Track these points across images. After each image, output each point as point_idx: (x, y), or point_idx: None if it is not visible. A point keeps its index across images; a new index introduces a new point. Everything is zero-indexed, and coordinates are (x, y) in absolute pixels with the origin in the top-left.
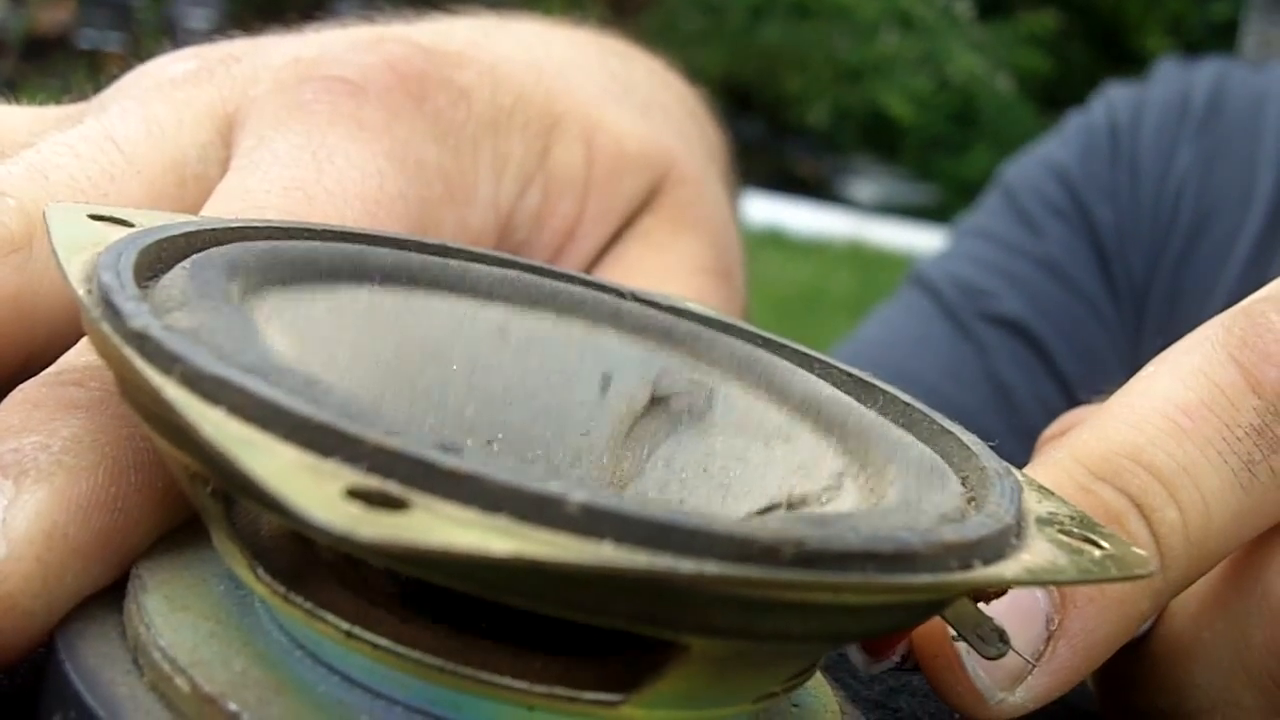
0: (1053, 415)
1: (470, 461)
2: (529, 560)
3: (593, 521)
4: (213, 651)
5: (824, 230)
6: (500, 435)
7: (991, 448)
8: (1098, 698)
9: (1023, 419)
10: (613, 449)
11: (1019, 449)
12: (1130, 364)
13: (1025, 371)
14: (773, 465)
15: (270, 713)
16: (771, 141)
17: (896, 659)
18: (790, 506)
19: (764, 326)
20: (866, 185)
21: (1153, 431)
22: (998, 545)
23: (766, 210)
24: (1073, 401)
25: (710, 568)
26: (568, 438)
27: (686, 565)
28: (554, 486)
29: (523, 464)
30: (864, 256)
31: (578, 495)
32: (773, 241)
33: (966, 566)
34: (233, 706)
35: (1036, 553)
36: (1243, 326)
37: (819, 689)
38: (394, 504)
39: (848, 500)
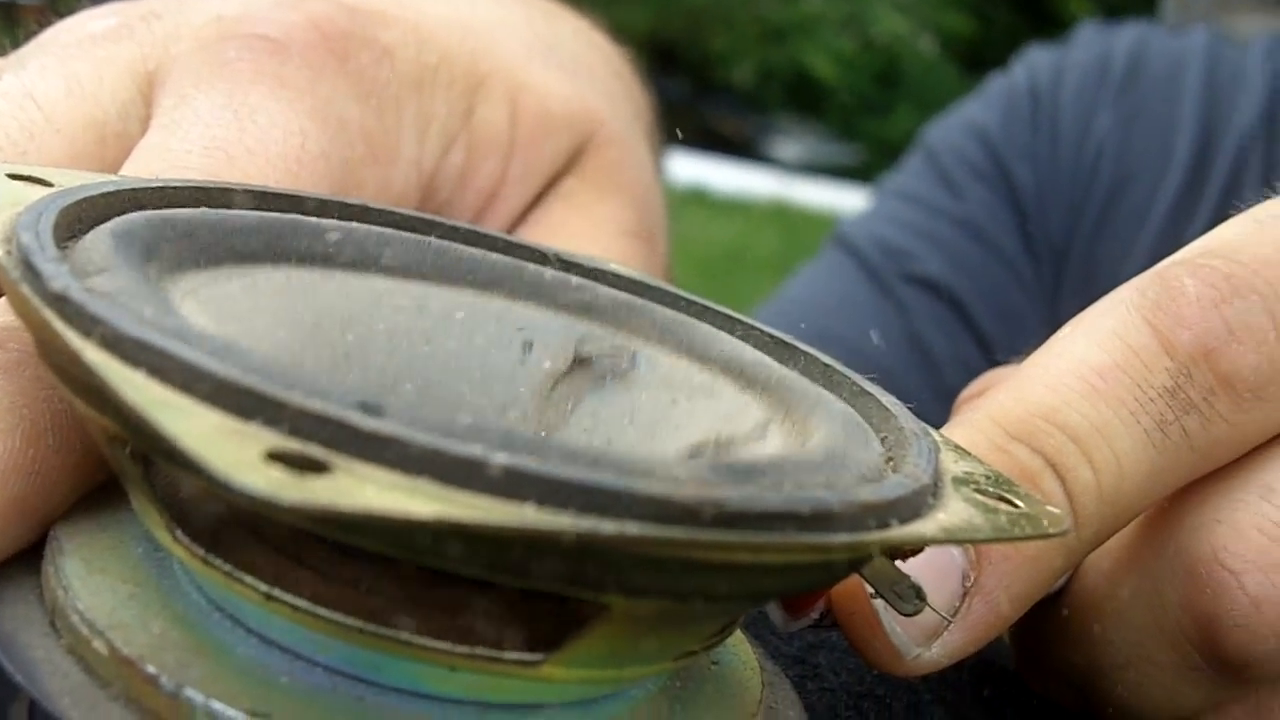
0: (972, 374)
1: (393, 424)
2: (451, 523)
3: (515, 484)
4: (131, 614)
5: (748, 189)
6: (423, 394)
7: (910, 409)
8: (1013, 653)
9: (943, 378)
10: (537, 404)
11: (939, 408)
12: (1049, 324)
13: (945, 331)
14: (698, 414)
15: (189, 675)
16: (696, 100)
17: (815, 616)
18: (718, 447)
19: (688, 286)
20: (791, 145)
21: (1067, 393)
22: (915, 504)
23: (691, 169)
24: (992, 361)
25: (631, 529)
26: (491, 394)
27: (608, 527)
28: (476, 449)
29: (448, 419)
30: (788, 216)
31: (500, 458)
32: (697, 200)
33: (884, 525)
34: (151, 669)
35: (953, 512)
36: (1156, 290)
37: (739, 646)
38: (315, 467)
39: (773, 443)
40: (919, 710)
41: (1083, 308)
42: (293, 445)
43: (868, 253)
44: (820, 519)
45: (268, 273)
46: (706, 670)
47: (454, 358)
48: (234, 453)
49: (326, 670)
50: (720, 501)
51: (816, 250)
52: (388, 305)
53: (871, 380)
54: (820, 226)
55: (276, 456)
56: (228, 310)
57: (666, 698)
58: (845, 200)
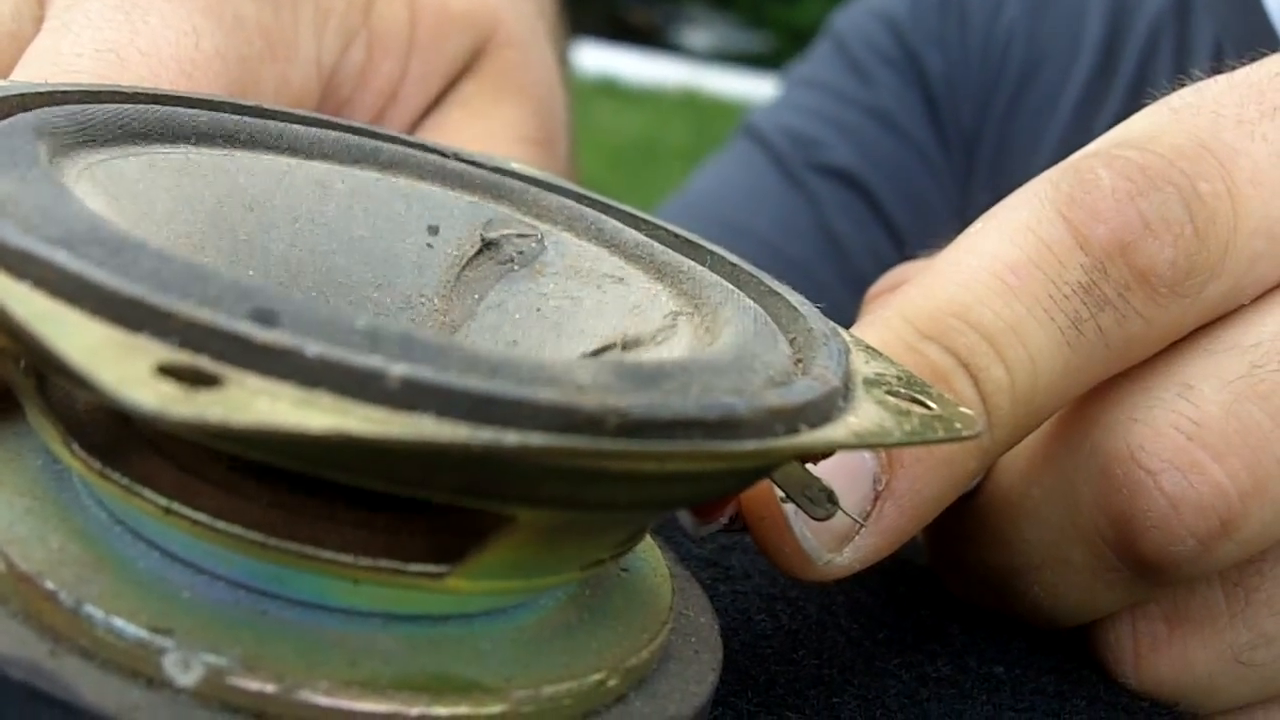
0: (883, 264)
1: (286, 334)
2: (347, 436)
3: (413, 395)
4: (29, 528)
5: (658, 79)
6: (326, 282)
7: (820, 308)
8: (928, 554)
9: (853, 268)
10: (444, 293)
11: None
12: (959, 212)
13: (855, 221)
14: (606, 306)
15: (89, 591)
16: None
17: (724, 520)
18: (624, 348)
19: (598, 177)
20: (700, 33)
21: (980, 290)
22: (824, 408)
23: (599, 59)
24: (902, 250)
25: (534, 440)
26: (396, 284)
27: (510, 438)
28: (374, 360)
29: (345, 325)
30: (698, 105)
31: (398, 369)
32: (606, 91)
33: (793, 431)
34: (50, 585)
35: (863, 415)
36: (1071, 183)
37: (648, 552)
38: (206, 380)
39: (682, 341)
40: (832, 611)
41: (993, 195)
42: (183, 358)
43: (776, 143)
44: (727, 426)
45: (165, 151)
46: (616, 578)
47: (358, 243)
48: (123, 367)
49: (229, 584)
50: (624, 410)
51: (727, 140)
52: (290, 185)
53: (780, 276)
54: (731, 115)
55: (167, 370)
56: (125, 191)
57: (576, 606)
58: (755, 89)
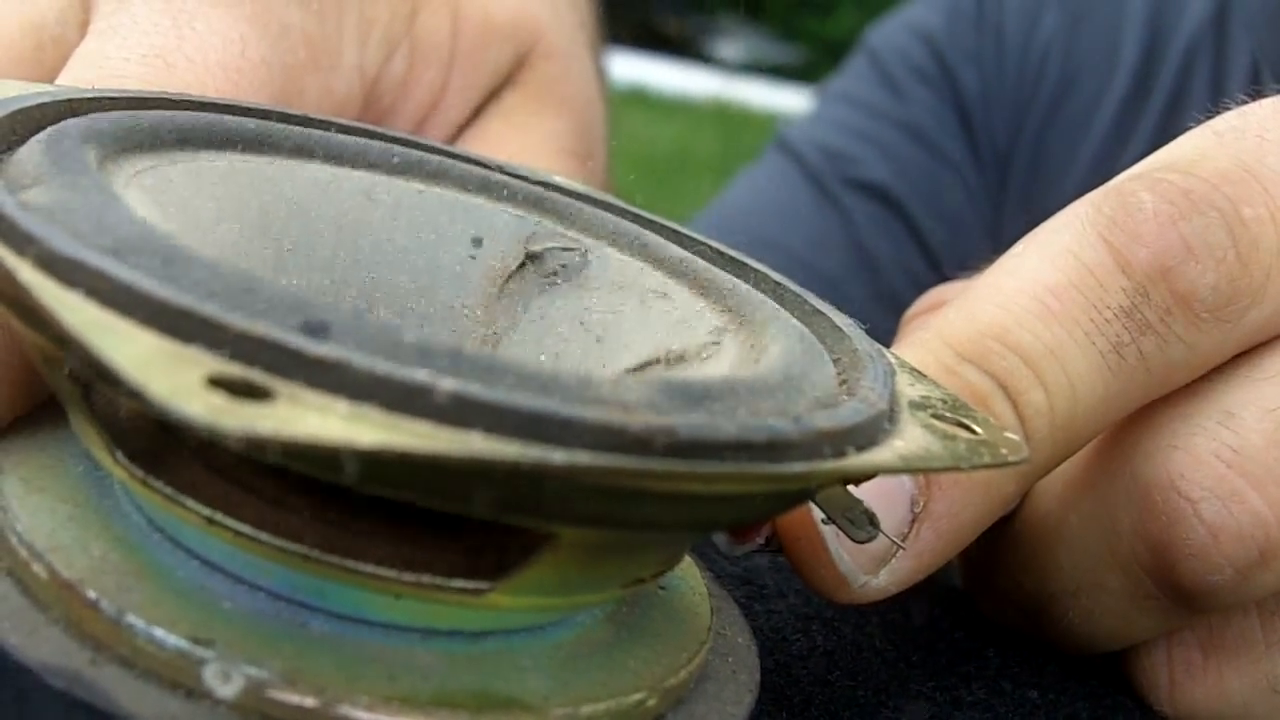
0: (916, 280)
1: (336, 347)
2: (396, 452)
3: (462, 411)
4: (71, 536)
5: (689, 89)
6: (369, 291)
7: (865, 329)
8: (963, 577)
9: (886, 284)
10: (487, 305)
11: (882, 314)
12: (992, 229)
13: (889, 237)
14: (650, 321)
15: (130, 599)
16: None
17: (760, 541)
18: (669, 363)
19: (629, 186)
20: (732, 44)
21: (1020, 312)
22: (871, 431)
23: (631, 69)
24: (935, 266)
25: (582, 458)
26: (440, 293)
27: (558, 456)
28: (423, 375)
29: (394, 338)
30: (729, 116)
31: (446, 384)
32: (637, 100)
33: (840, 454)
34: (92, 594)
35: (910, 439)
36: (1113, 205)
37: (687, 571)
38: (257, 393)
39: (727, 358)
40: (867, 632)
41: (1026, 212)
42: (234, 370)
43: (810, 157)
44: (775, 448)
45: (211, 158)
46: (655, 596)
47: (402, 253)
48: (174, 378)
49: (269, 595)
50: (672, 430)
51: (757, 151)
52: (335, 193)
53: (812, 291)
54: (761, 127)
55: (218, 382)
56: (172, 198)
57: (614, 624)
58: (786, 101)
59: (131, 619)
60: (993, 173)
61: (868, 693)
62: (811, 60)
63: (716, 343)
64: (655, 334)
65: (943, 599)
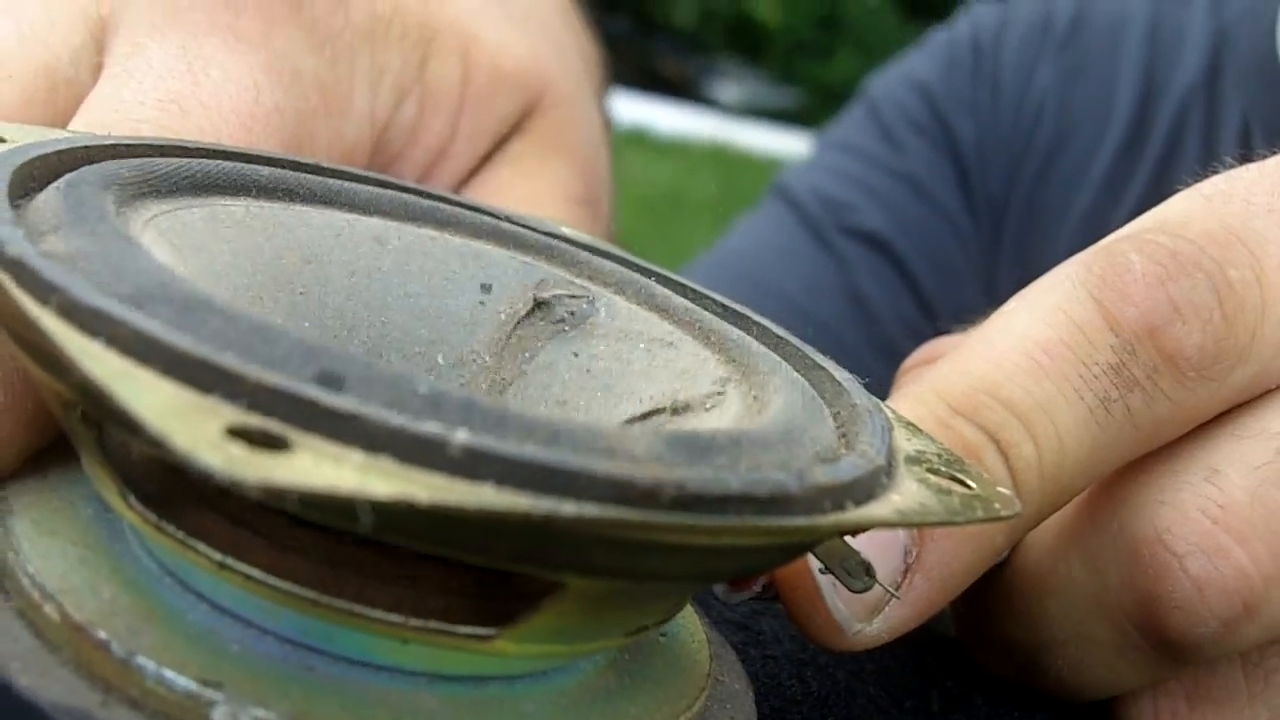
0: (910, 328)
1: (352, 400)
2: (410, 503)
3: (475, 463)
4: (82, 578)
5: (688, 131)
6: (380, 337)
7: (863, 383)
8: (955, 626)
9: (881, 332)
10: (495, 351)
11: (876, 361)
12: (986, 279)
13: (884, 285)
14: (656, 370)
15: (140, 642)
16: (638, 39)
17: (757, 589)
18: (674, 412)
19: (628, 226)
20: (731, 87)
21: (1011, 368)
22: (869, 485)
23: (631, 109)
24: (929, 315)
25: (590, 510)
26: (449, 340)
27: (567, 508)
28: (436, 428)
29: (408, 389)
30: (726, 159)
31: (460, 437)
32: (637, 141)
33: (840, 508)
34: (102, 635)
35: (906, 493)
36: (1103, 265)
37: (687, 618)
38: (275, 443)
39: (731, 409)
40: (861, 678)
41: (1020, 263)
42: (252, 421)
43: (807, 205)
44: (778, 502)
45: (227, 203)
46: (655, 643)
47: (413, 299)
48: (195, 429)
49: (278, 639)
50: (680, 483)
51: (754, 194)
52: (348, 240)
53: (807, 338)
54: (759, 170)
55: (236, 432)
56: (188, 242)
57: (616, 670)
58: (784, 144)
59: (141, 661)
60: (987, 223)
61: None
62: (810, 104)
63: (721, 393)
64: (661, 383)
65: (935, 647)
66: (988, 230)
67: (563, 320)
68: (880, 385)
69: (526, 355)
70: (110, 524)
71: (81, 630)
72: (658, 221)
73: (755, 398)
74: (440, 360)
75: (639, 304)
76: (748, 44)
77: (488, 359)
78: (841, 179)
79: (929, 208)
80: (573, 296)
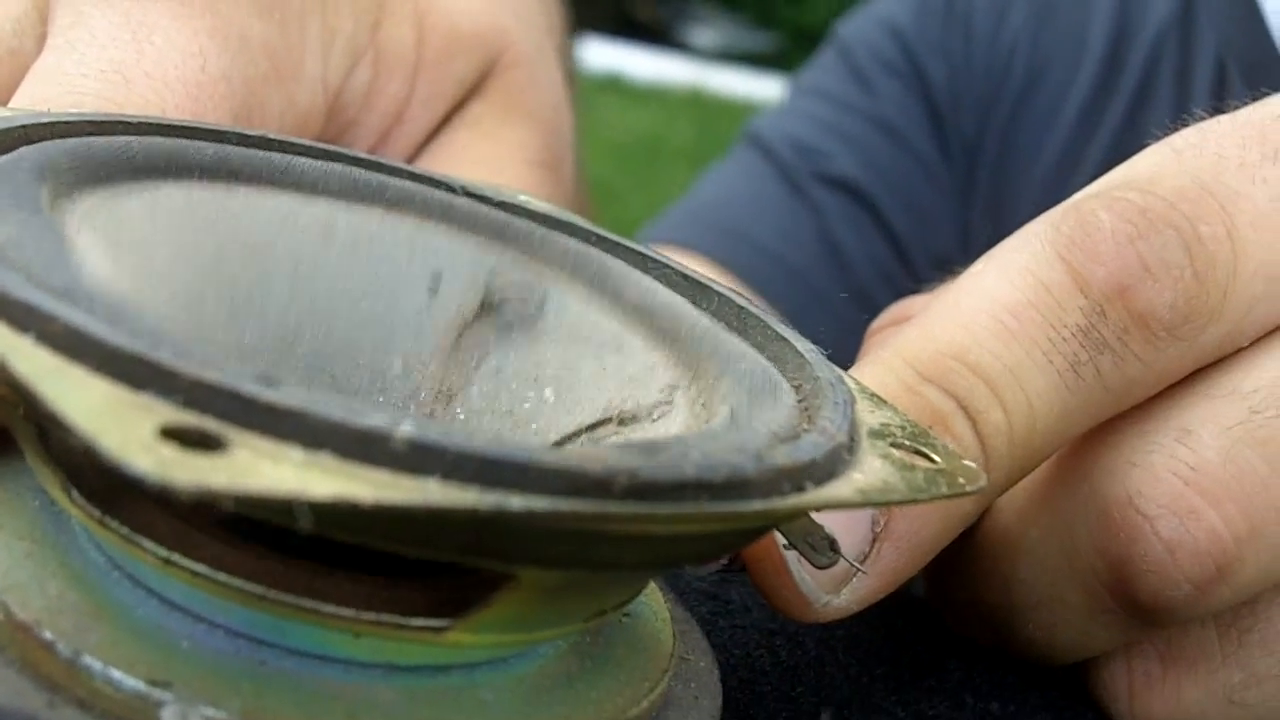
0: (884, 274)
1: (291, 395)
2: (351, 502)
3: (419, 458)
4: (27, 573)
5: (664, 77)
6: (324, 344)
7: (823, 352)
8: (925, 588)
9: (855, 278)
10: (441, 358)
11: (851, 307)
12: (961, 223)
13: (857, 230)
14: (603, 377)
15: (87, 640)
16: None
17: (724, 561)
18: (621, 422)
19: (604, 174)
20: (707, 31)
21: (979, 332)
22: (830, 464)
23: (606, 56)
24: (904, 259)
25: (540, 504)
26: (395, 346)
27: (515, 502)
28: (378, 420)
29: (347, 391)
30: (703, 104)
31: (404, 430)
32: (612, 87)
33: (799, 489)
34: (48, 634)
35: (868, 471)
36: (1071, 224)
37: (650, 596)
38: (210, 443)
39: (678, 417)
40: (831, 647)
41: (994, 204)
42: (188, 419)
43: (780, 151)
44: (735, 486)
45: (169, 190)
46: (618, 624)
47: (359, 299)
48: (125, 430)
49: (228, 633)
50: (632, 471)
51: (732, 139)
52: (293, 228)
53: (782, 285)
54: (736, 115)
55: (170, 433)
56: (126, 239)
57: (577, 655)
58: (761, 89)
59: (88, 660)
60: (961, 165)
61: (831, 708)
62: (786, 48)
63: (669, 402)
64: (608, 391)
65: (906, 610)
66: (961, 173)
67: (511, 324)
68: (852, 330)
69: (473, 363)
70: (57, 517)
71: (27, 629)
72: (635, 169)
73: (703, 405)
74: (386, 368)
75: (590, 294)
76: None
77: (434, 366)
78: (814, 124)
79: (902, 151)
80: (521, 299)
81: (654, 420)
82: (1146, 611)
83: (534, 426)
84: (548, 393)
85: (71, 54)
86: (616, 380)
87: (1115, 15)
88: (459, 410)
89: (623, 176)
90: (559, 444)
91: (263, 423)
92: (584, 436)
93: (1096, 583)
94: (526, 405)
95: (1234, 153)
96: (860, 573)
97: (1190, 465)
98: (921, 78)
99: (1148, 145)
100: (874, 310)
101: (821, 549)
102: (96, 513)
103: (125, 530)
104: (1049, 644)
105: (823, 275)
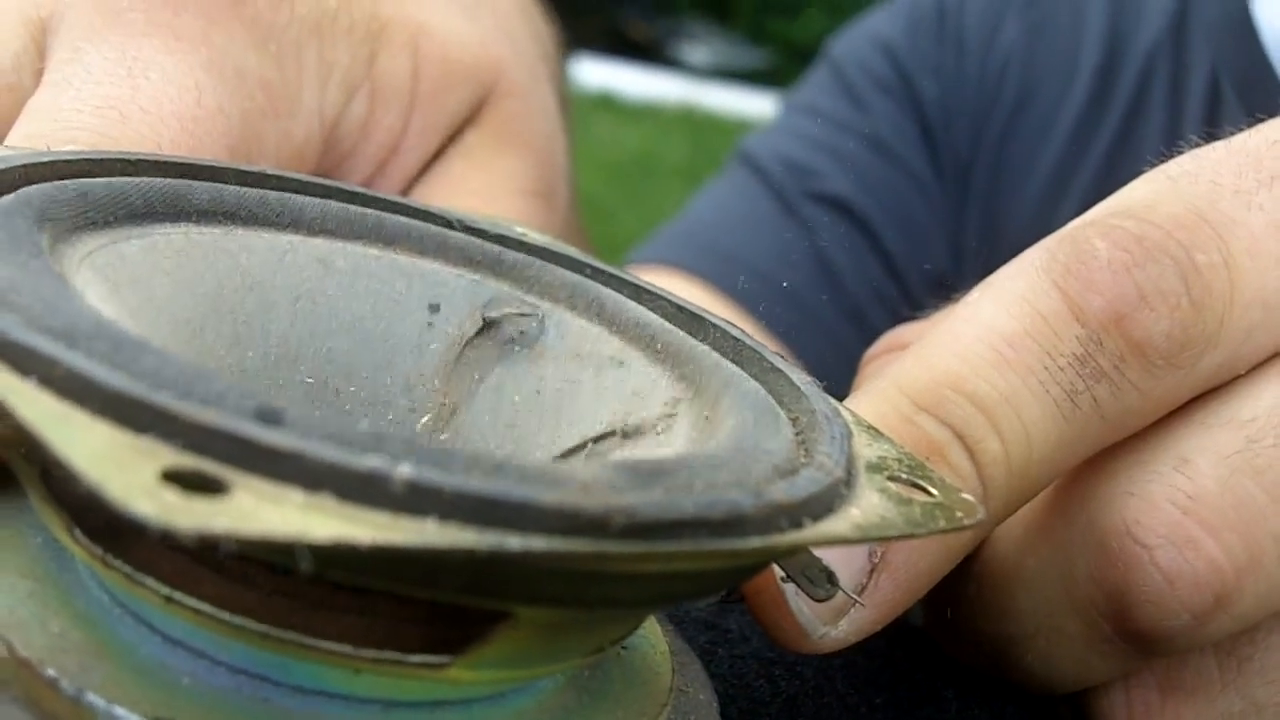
0: (878, 292)
1: (291, 436)
2: (350, 544)
3: (417, 499)
4: (30, 612)
5: (656, 94)
6: (325, 365)
7: (822, 387)
8: (924, 618)
9: (848, 297)
10: (442, 375)
11: (844, 326)
12: (953, 239)
13: (850, 250)
14: (606, 391)
15: (90, 679)
16: (604, 2)
17: (721, 594)
18: (625, 435)
19: (597, 192)
20: (699, 49)
21: (976, 361)
22: (828, 499)
23: (598, 73)
24: (897, 277)
25: (537, 544)
26: (396, 365)
27: (514, 542)
28: (377, 462)
29: (349, 425)
30: (696, 121)
31: (402, 471)
32: (605, 105)
33: (797, 525)
34: (51, 672)
35: (866, 506)
36: (1067, 252)
37: (649, 627)
38: (211, 486)
39: (682, 431)
40: (829, 676)
41: (988, 222)
42: (188, 462)
43: (772, 171)
44: (733, 524)
45: (167, 231)
46: (616, 657)
47: (359, 324)
48: (128, 474)
49: (230, 670)
50: (630, 510)
51: (726, 156)
52: (291, 263)
53: (775, 306)
54: (729, 132)
55: (172, 477)
56: (126, 276)
57: (575, 689)
58: (754, 105)
59: (92, 698)
60: (953, 182)
61: None
62: (779, 65)
63: (672, 414)
64: (611, 405)
65: (904, 639)
66: (954, 190)
67: (512, 340)
68: (849, 350)
69: (475, 378)
70: (59, 554)
71: (30, 666)
72: (628, 186)
73: (707, 418)
74: (388, 385)
75: (589, 318)
76: (714, 4)
77: (436, 383)
78: (806, 143)
79: (895, 169)
80: (522, 315)
81: (659, 433)
82: (1145, 641)
83: (537, 441)
84: (550, 407)
85: (68, 90)
86: (619, 395)
87: (1108, 31)
88: (462, 425)
89: (615, 194)
90: (562, 458)
91: (263, 465)
92: (588, 450)
93: (1095, 612)
94: (530, 420)
95: (1229, 180)
96: (858, 604)
97: (1188, 494)
98: (914, 95)
99: (1141, 161)
100: (867, 328)
101: (819, 581)
102: (99, 551)
103: (128, 569)
104: (1047, 673)
105: (815, 294)
